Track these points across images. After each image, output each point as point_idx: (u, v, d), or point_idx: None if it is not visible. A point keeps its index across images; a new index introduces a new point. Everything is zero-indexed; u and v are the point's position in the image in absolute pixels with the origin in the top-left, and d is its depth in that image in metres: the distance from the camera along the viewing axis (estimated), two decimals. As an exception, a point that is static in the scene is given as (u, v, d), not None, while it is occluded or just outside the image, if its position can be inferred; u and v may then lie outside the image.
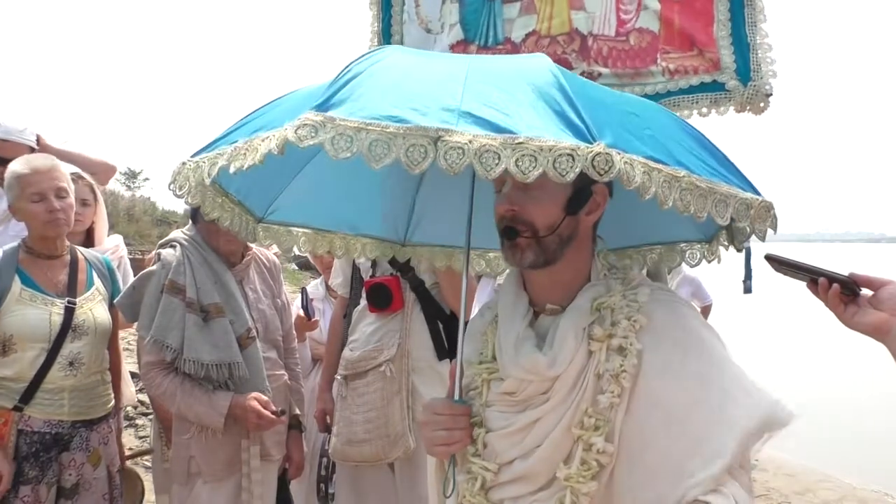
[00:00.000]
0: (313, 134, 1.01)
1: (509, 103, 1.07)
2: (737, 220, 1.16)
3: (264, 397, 2.31)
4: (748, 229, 1.26)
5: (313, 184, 1.58)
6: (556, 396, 1.23)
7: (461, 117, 1.03)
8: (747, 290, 1.42)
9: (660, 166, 1.05)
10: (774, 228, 1.25)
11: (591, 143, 0.99)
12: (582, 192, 1.25)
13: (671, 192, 1.05)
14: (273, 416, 2.29)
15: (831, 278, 1.22)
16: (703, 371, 1.19)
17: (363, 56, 1.20)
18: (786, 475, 6.09)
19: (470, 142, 0.98)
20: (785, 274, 1.30)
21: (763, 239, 1.29)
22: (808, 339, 13.87)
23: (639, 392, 1.20)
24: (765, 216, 1.21)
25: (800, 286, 1.28)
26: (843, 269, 1.26)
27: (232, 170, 1.12)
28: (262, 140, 1.09)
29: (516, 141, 0.99)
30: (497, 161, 0.98)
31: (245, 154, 1.10)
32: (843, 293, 1.22)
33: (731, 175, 1.23)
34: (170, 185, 1.27)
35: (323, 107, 1.05)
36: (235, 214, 1.51)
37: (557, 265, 1.27)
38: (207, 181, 1.21)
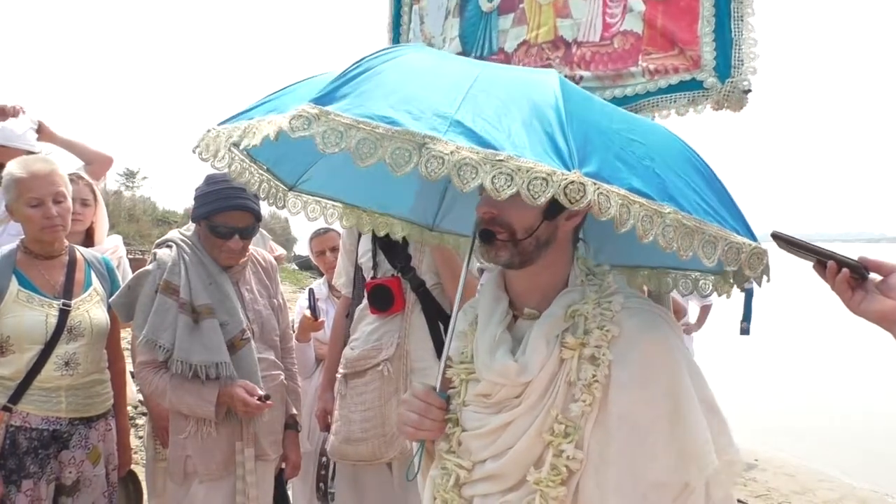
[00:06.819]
0: (306, 126, 1.05)
1: (503, 117, 1.08)
2: (725, 264, 1.16)
3: (250, 384, 2.32)
4: (746, 273, 1.24)
5: (348, 158, 1.57)
6: (528, 401, 1.26)
7: (451, 126, 1.04)
8: (744, 331, 1.40)
9: (642, 200, 1.05)
10: (768, 277, 1.25)
11: (568, 170, 1.00)
12: None
13: (652, 227, 1.05)
14: (259, 403, 2.29)
15: (840, 262, 1.18)
16: (663, 391, 1.21)
17: (379, 52, 1.22)
18: (786, 475, 6.09)
19: (452, 153, 1.00)
20: (791, 253, 1.26)
21: (760, 284, 1.28)
22: (808, 339, 13.88)
23: (609, 403, 1.22)
24: (756, 264, 1.19)
25: (801, 286, 1.25)
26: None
27: (241, 146, 1.18)
28: (268, 123, 1.13)
29: (497, 157, 1.00)
30: (474, 175, 1.00)
31: (253, 133, 1.15)
32: (851, 277, 1.17)
33: (730, 217, 1.22)
34: (194, 149, 1.29)
35: (322, 100, 1.08)
36: (264, 181, 1.51)
37: (534, 267, 1.30)
38: (223, 150, 1.26)
